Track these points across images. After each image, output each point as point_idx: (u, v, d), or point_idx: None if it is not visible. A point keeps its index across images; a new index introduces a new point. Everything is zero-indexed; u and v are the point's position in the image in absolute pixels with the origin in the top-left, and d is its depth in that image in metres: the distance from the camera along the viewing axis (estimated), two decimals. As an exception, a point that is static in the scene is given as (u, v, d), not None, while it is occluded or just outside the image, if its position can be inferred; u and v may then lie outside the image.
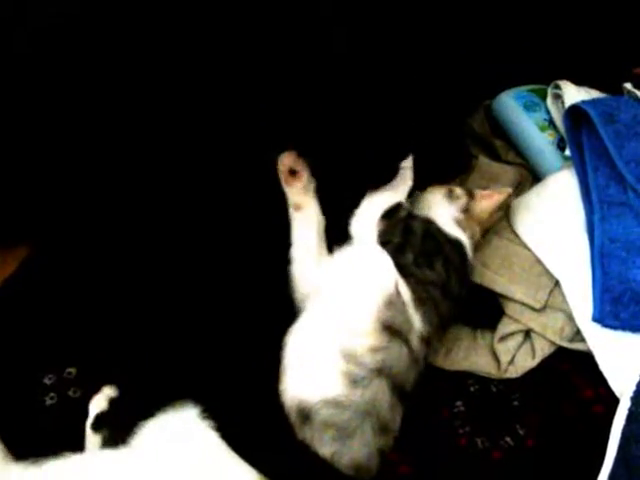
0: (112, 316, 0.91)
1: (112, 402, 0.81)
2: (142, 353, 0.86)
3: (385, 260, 0.81)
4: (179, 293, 0.87)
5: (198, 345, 0.82)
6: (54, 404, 0.86)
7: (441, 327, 0.84)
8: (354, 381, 0.74)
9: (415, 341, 0.78)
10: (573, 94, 1.06)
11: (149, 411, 0.72)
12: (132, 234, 0.92)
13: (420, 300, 0.80)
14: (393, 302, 0.78)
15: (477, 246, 0.93)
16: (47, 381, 0.89)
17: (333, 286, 0.82)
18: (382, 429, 0.74)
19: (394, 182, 0.87)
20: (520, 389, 0.88)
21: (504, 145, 1.15)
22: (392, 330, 0.77)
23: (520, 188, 1.08)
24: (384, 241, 0.82)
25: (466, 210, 0.90)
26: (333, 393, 0.73)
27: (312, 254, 0.86)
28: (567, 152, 1.02)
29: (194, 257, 0.89)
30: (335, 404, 0.73)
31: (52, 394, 0.87)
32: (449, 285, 0.83)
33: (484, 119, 1.17)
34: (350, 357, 0.75)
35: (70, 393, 0.87)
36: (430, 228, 0.85)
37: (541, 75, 1.17)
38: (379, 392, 0.74)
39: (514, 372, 0.89)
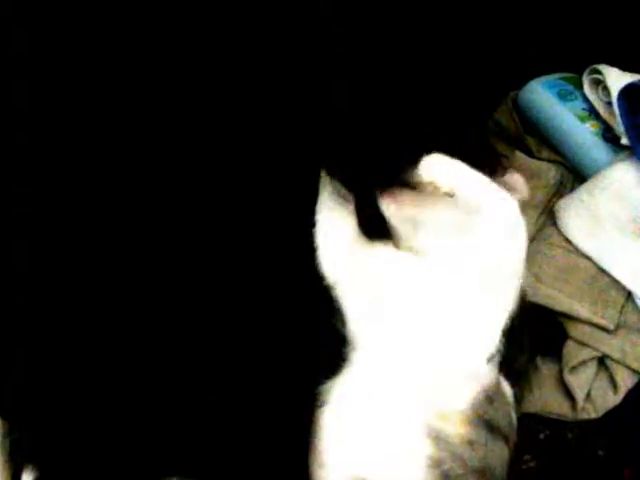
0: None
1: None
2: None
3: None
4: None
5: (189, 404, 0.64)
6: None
7: None
8: (447, 477, 0.58)
9: (512, 443, 0.65)
10: (617, 78, 0.95)
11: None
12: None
13: (515, 396, 0.68)
14: (494, 399, 0.64)
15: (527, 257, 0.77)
16: None
17: (416, 345, 0.65)
18: None
19: None
20: (603, 434, 0.75)
21: (536, 141, 1.02)
22: (492, 427, 0.63)
23: (561, 189, 0.96)
24: None
25: None
26: None
27: None
28: (623, 141, 0.89)
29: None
30: None
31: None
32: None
33: (512, 112, 1.04)
34: (440, 441, 0.60)
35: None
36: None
37: (565, 62, 1.07)
38: None
39: (593, 411, 0.76)
